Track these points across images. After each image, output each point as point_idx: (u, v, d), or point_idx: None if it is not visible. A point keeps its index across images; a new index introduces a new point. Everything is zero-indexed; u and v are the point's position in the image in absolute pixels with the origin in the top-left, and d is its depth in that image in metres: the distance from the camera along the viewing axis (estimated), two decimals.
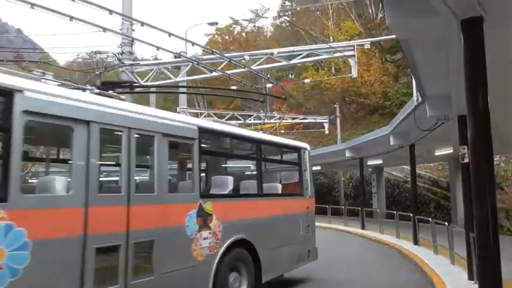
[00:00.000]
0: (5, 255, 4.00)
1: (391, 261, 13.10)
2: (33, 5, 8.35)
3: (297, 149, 9.86)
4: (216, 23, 30.40)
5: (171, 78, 13.23)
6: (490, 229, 4.35)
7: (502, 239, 4.42)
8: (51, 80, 5.21)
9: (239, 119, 23.33)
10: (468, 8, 4.32)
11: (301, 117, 26.91)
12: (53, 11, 8.74)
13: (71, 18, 8.97)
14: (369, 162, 24.47)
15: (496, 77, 5.48)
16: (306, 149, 10.03)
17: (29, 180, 14.78)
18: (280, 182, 9.59)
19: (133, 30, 12.13)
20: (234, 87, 32.20)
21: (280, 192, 9.16)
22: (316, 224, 24.87)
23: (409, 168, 19.52)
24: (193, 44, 14.18)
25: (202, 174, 8.15)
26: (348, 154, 21.32)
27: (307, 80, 29.08)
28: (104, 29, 9.94)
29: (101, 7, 9.46)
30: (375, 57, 38.35)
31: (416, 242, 15.09)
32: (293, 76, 47.84)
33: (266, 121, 22.74)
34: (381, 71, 38.23)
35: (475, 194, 4.47)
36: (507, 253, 4.56)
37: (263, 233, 8.00)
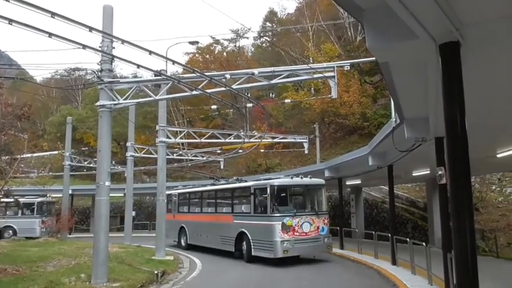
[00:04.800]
0: None
1: (370, 282, 13.09)
2: (11, 21, 8.23)
3: None
4: (197, 42, 30.44)
5: (150, 96, 13.14)
6: (469, 250, 4.38)
7: (478, 259, 4.47)
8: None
9: (219, 138, 23.21)
10: (446, 33, 4.41)
11: (281, 136, 26.88)
12: (31, 27, 8.61)
13: (50, 35, 8.86)
14: (348, 182, 24.57)
15: (475, 100, 5.59)
16: None
17: None
18: None
19: (114, 48, 12.04)
20: (214, 106, 32.33)
21: None
22: None
23: (387, 188, 19.73)
24: (173, 62, 14.15)
25: None
26: (327, 174, 21.38)
27: (287, 100, 29.25)
28: (84, 46, 9.87)
29: (81, 24, 9.38)
30: (354, 79, 38.92)
31: (394, 262, 15.13)
32: (274, 95, 48.16)
33: (246, 140, 22.67)
34: (360, 92, 38.77)
35: (454, 215, 4.51)
36: (483, 273, 4.61)
37: None
